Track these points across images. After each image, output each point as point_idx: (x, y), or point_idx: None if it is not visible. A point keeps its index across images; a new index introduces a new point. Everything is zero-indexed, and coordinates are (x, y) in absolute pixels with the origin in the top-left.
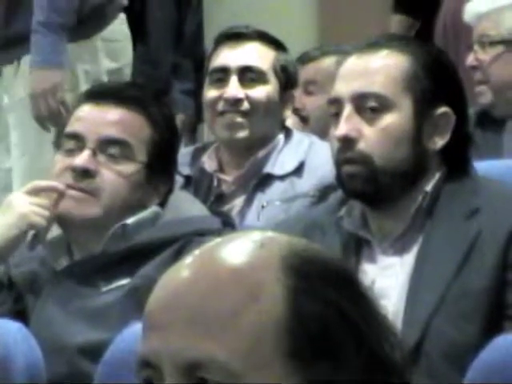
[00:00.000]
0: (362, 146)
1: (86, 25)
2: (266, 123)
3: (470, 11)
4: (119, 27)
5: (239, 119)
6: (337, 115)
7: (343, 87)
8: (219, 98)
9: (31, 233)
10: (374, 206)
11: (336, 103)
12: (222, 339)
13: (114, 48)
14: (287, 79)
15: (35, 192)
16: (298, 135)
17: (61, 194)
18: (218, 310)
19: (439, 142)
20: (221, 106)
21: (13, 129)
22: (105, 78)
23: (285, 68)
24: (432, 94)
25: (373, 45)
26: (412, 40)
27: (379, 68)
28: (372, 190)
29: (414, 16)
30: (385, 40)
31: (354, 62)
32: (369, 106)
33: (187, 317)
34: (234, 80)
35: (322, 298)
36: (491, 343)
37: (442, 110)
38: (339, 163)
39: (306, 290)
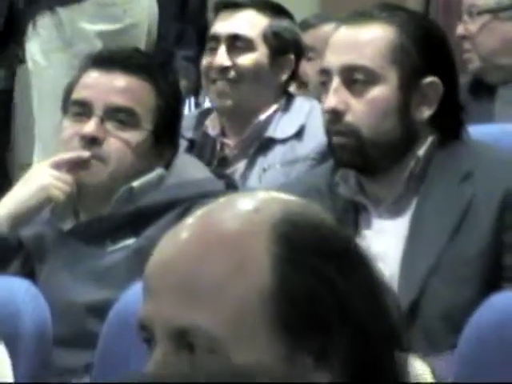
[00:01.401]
0: (349, 118)
1: None
2: (256, 90)
3: None
4: None
5: (226, 87)
6: (324, 84)
7: (332, 59)
8: (211, 65)
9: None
10: (366, 174)
11: (325, 73)
12: (207, 308)
13: (109, 11)
14: (280, 45)
15: (59, 166)
16: (299, 100)
17: (84, 163)
18: (205, 280)
19: (427, 111)
20: (212, 73)
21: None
22: (98, 40)
23: (277, 34)
24: (420, 64)
25: (362, 16)
26: (402, 11)
27: (367, 41)
28: (361, 160)
29: None
30: (375, 11)
31: (343, 33)
32: (356, 78)
33: (176, 285)
34: (222, 48)
35: (311, 269)
36: (488, 301)
37: (430, 79)
38: (329, 134)
39: (294, 260)
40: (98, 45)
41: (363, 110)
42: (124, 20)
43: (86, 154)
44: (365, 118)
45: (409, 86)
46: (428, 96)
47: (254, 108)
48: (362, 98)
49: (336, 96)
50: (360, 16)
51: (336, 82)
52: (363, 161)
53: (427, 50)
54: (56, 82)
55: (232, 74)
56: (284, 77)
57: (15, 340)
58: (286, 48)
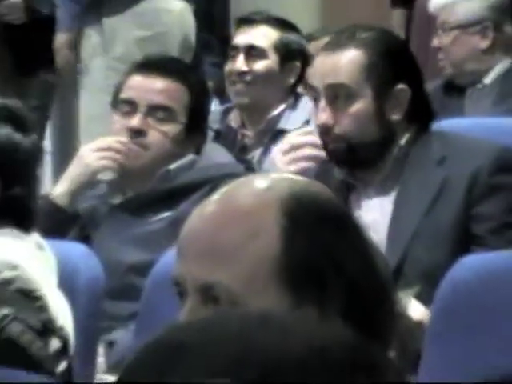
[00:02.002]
0: (337, 129)
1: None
2: (268, 90)
3: (433, 4)
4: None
5: (244, 88)
6: (315, 100)
7: (316, 82)
8: (232, 70)
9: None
10: (357, 168)
11: (313, 91)
12: (227, 268)
13: (143, 20)
14: (288, 54)
15: (102, 148)
16: (305, 99)
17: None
18: (225, 245)
19: (400, 112)
20: (233, 77)
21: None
22: (133, 45)
23: (286, 45)
24: (388, 75)
25: (336, 45)
26: (367, 31)
27: (343, 64)
28: (352, 160)
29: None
30: (344, 39)
31: (322, 60)
32: (338, 94)
33: (203, 249)
34: (240, 56)
35: (312, 236)
36: (459, 262)
37: (399, 87)
38: (323, 142)
39: (298, 229)
40: (133, 49)
41: (348, 122)
42: (155, 28)
43: (123, 138)
44: (350, 129)
45: (382, 95)
46: (399, 100)
47: (267, 105)
48: (346, 112)
49: (324, 113)
50: (334, 45)
51: (323, 101)
52: (353, 160)
53: (392, 62)
54: (97, 82)
55: (248, 77)
56: (292, 80)
57: (73, 293)
58: (293, 56)
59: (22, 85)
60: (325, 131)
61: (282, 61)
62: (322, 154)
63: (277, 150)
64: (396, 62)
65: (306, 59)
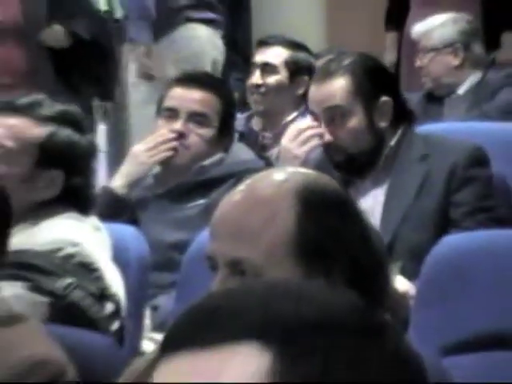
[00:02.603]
0: (338, 144)
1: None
2: (279, 99)
3: (414, 32)
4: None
5: (259, 98)
6: (316, 119)
7: (314, 107)
8: (250, 84)
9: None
10: (356, 170)
11: (314, 114)
12: (251, 246)
13: (178, 43)
14: (297, 70)
15: (152, 147)
16: None
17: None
18: (250, 227)
19: (387, 119)
20: (251, 89)
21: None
22: (171, 64)
23: (296, 62)
24: (372, 91)
25: (324, 74)
26: (350, 57)
27: (334, 90)
28: (352, 165)
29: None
30: (331, 68)
31: (317, 90)
32: (335, 113)
33: (230, 231)
34: (257, 72)
35: (321, 220)
36: (441, 241)
37: (382, 99)
38: (327, 154)
39: (309, 215)
40: (171, 67)
41: (346, 136)
42: (188, 51)
43: (168, 140)
44: (349, 141)
45: (370, 109)
46: (384, 110)
47: (280, 112)
48: (343, 129)
49: (326, 133)
50: (323, 75)
51: (323, 123)
52: (353, 166)
53: (373, 79)
54: (143, 93)
55: (262, 89)
56: (300, 91)
57: (125, 267)
58: (301, 71)
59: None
60: (326, 147)
61: (291, 75)
62: (322, 130)
63: (286, 139)
64: (375, 78)
65: (312, 74)
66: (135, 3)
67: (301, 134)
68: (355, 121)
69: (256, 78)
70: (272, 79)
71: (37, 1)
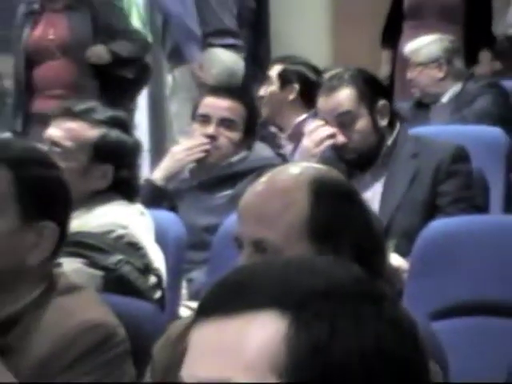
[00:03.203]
0: (351, 145)
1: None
2: (274, 106)
3: (406, 50)
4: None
5: (262, 107)
6: (327, 122)
7: (327, 116)
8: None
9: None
10: (363, 165)
11: (325, 120)
12: (271, 229)
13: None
14: (285, 79)
15: (189, 147)
16: None
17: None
18: (270, 213)
19: (386, 119)
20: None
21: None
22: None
23: (285, 73)
24: (372, 96)
25: (331, 88)
26: (348, 72)
27: (341, 100)
28: (361, 161)
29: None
30: (335, 82)
31: (326, 102)
32: (345, 120)
33: (253, 215)
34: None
35: (330, 208)
36: (429, 225)
37: (381, 102)
38: (338, 152)
39: (321, 203)
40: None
41: (357, 137)
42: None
43: (205, 140)
44: (360, 141)
45: (373, 111)
46: (383, 111)
47: (280, 115)
48: (354, 131)
49: (339, 136)
50: (329, 88)
51: (336, 127)
52: (361, 162)
53: (371, 86)
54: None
55: (263, 99)
56: (291, 97)
57: (165, 246)
58: (290, 80)
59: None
60: (341, 148)
61: (281, 84)
62: (333, 131)
63: (306, 141)
64: (372, 85)
65: (309, 84)
66: (182, 28)
67: (317, 136)
68: (362, 122)
69: (261, 90)
70: (267, 90)
71: (83, 23)
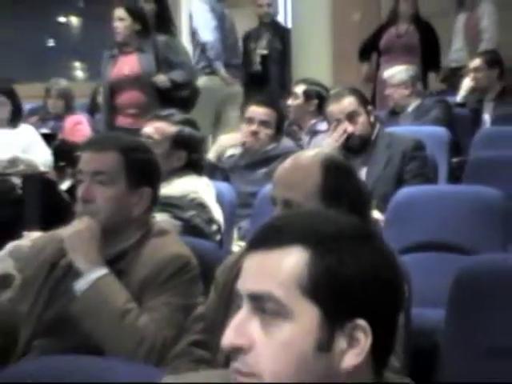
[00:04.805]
0: (357, 133)
1: None
2: (298, 113)
3: (384, 75)
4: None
5: (289, 114)
6: (338, 121)
7: (338, 115)
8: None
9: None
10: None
11: (338, 119)
12: (295, 192)
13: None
14: (308, 95)
15: (236, 139)
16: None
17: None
18: (294, 181)
19: (373, 119)
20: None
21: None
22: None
23: (308, 91)
24: (366, 102)
25: (338, 97)
26: (348, 88)
27: (348, 103)
28: (359, 145)
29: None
30: (340, 94)
31: (336, 105)
32: (352, 116)
33: (283, 183)
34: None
35: (335, 178)
36: (398, 192)
37: (369, 107)
38: (347, 140)
39: (329, 174)
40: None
41: (361, 127)
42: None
43: (248, 137)
44: (361, 130)
45: (367, 112)
46: (372, 113)
47: (301, 120)
48: (359, 123)
49: (349, 126)
50: (337, 97)
51: (347, 122)
52: (358, 147)
53: (363, 96)
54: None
55: (291, 108)
56: (311, 108)
57: (222, 205)
58: (312, 97)
59: None
60: (351, 135)
61: (305, 99)
62: (344, 127)
63: (330, 139)
64: (363, 96)
65: (322, 98)
66: (216, 54)
67: (338, 133)
68: (362, 118)
69: (289, 101)
70: (295, 102)
71: (149, 60)
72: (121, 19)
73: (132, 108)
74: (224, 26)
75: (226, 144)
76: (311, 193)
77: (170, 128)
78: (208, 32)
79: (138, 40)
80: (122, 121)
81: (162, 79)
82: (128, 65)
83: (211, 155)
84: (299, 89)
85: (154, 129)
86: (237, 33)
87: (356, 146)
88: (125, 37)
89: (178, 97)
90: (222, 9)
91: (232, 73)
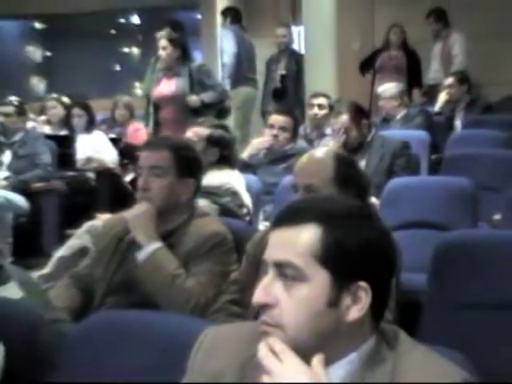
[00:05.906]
0: (352, 136)
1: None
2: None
3: (378, 90)
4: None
5: (312, 123)
6: (338, 113)
7: (340, 126)
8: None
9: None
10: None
11: (341, 127)
12: (313, 179)
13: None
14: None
15: (263, 141)
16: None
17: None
18: (311, 171)
19: (367, 121)
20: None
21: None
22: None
23: (331, 105)
24: (361, 113)
25: (340, 110)
26: (348, 101)
27: (343, 119)
28: (356, 146)
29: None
30: (342, 106)
31: (334, 121)
32: (352, 122)
33: (303, 172)
34: (315, 108)
35: (344, 169)
36: (390, 182)
37: (364, 121)
38: (346, 142)
39: (339, 166)
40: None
41: (354, 134)
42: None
43: (270, 138)
44: (355, 136)
45: (359, 124)
46: (365, 126)
47: (322, 126)
48: (357, 125)
49: (351, 130)
50: (339, 110)
51: (345, 118)
52: (356, 146)
53: (359, 108)
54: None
55: (317, 117)
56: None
57: (251, 192)
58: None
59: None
60: (346, 141)
61: (330, 109)
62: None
63: (333, 136)
64: (359, 108)
65: (331, 109)
66: (228, 74)
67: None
68: (354, 130)
69: (315, 109)
70: (322, 112)
71: (184, 83)
72: (164, 48)
73: (170, 122)
74: (244, 49)
75: (255, 146)
76: (327, 179)
77: (204, 131)
78: (226, 56)
79: (178, 65)
80: (164, 132)
81: (193, 99)
82: (167, 86)
83: (244, 155)
84: (320, 101)
85: (193, 132)
86: (255, 54)
87: (352, 147)
88: (166, 63)
89: (206, 114)
90: (242, 34)
91: (247, 83)
